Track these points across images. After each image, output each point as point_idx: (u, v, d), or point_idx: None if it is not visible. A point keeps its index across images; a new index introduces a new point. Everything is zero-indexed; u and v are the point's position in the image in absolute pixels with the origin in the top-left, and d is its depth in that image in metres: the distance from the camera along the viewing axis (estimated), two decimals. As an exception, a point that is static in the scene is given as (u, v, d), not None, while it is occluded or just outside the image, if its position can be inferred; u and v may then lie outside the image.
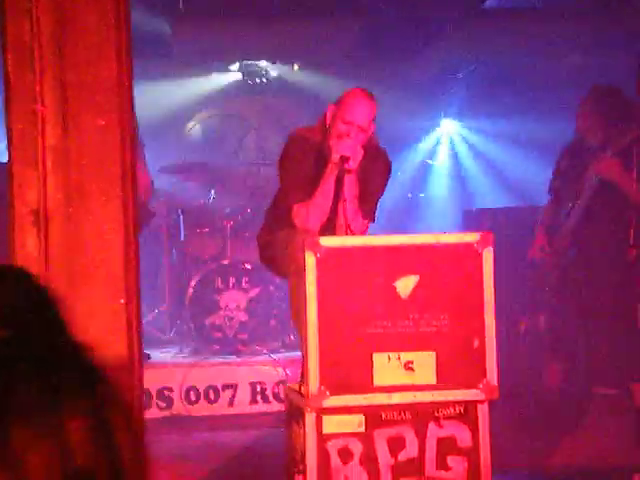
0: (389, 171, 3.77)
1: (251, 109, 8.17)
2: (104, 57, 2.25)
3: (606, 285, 4.68)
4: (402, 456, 2.82)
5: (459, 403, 2.84)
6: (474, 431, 2.85)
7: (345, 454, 2.78)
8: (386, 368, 2.77)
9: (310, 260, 2.74)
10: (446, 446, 2.83)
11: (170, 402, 5.53)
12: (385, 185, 3.76)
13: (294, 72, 7.91)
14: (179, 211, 6.65)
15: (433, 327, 2.80)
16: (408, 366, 2.78)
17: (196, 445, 4.90)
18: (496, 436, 4.42)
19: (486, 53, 7.68)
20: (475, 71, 7.98)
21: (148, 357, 5.85)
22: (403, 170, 8.16)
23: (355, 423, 2.79)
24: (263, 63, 7.90)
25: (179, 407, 5.50)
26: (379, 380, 2.77)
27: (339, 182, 3.44)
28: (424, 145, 8.55)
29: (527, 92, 7.86)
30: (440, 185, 8.20)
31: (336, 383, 2.75)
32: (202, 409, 5.51)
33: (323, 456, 2.77)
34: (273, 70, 7.95)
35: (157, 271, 6.81)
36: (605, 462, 4.00)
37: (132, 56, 2.38)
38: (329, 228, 3.50)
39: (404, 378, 2.78)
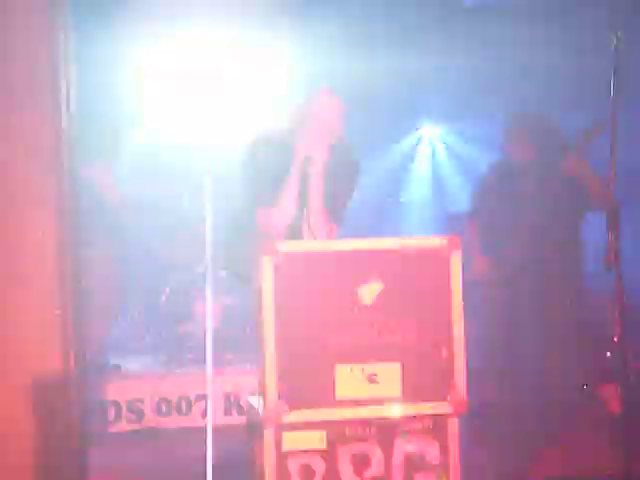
0: (358, 173, 3.62)
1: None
2: (35, 49, 2.08)
3: (567, 290, 4.67)
4: (367, 474, 2.66)
5: (427, 417, 2.68)
6: (444, 447, 2.69)
7: (306, 473, 2.62)
8: (348, 380, 2.61)
9: (267, 266, 2.57)
10: (414, 463, 2.67)
11: (141, 414, 5.37)
12: (354, 188, 3.61)
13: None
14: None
15: (398, 337, 2.64)
16: (372, 378, 2.62)
17: (166, 459, 4.73)
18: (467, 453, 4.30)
19: (468, 54, 7.54)
20: (457, 72, 7.84)
21: (118, 367, 5.70)
22: (381, 173, 8.03)
23: (317, 439, 2.62)
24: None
25: (150, 419, 5.34)
26: (341, 393, 2.61)
27: (304, 185, 3.29)
28: (404, 148, 8.42)
29: (511, 93, 7.73)
30: (421, 188, 8.06)
31: (295, 397, 2.59)
32: (174, 421, 5.34)
33: (283, 475, 2.60)
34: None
35: (131, 278, 6.64)
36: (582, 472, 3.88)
37: (72, 46, 2.21)
38: (295, 232, 3.34)
39: (367, 391, 2.62)
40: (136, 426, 5.34)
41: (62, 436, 2.09)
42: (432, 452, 2.68)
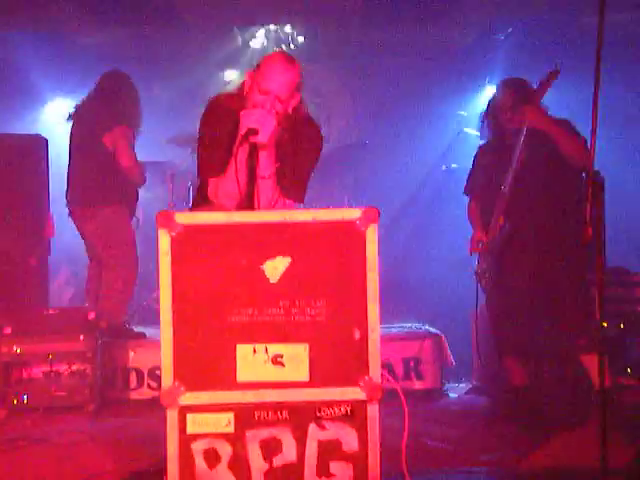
0: (319, 144, 3.38)
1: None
2: None
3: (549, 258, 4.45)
4: (278, 461, 2.50)
5: (345, 402, 2.49)
6: (362, 434, 2.49)
7: (212, 457, 2.49)
8: (251, 362, 2.45)
9: (164, 240, 2.44)
10: (329, 450, 2.50)
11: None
12: (315, 159, 3.37)
13: (319, 38, 7.56)
14: (188, 184, 6.45)
15: (307, 316, 2.45)
16: (277, 360, 2.45)
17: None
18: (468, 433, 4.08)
19: (524, 12, 7.14)
20: (515, 32, 7.44)
21: (143, 336, 5.71)
22: (439, 140, 7.73)
23: (222, 422, 2.48)
24: (288, 29, 7.58)
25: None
26: (243, 376, 2.45)
27: (253, 158, 3.08)
28: (465, 113, 8.06)
29: (575, 53, 7.26)
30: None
31: (194, 378, 2.45)
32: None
33: (187, 459, 2.48)
34: (299, 36, 7.62)
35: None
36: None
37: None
38: (250, 207, 3.15)
39: (272, 374, 2.45)
40: (157, 393, 5.33)
41: None
42: (349, 440, 2.50)
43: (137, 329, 5.74)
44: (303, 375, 2.45)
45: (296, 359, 2.45)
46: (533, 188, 4.49)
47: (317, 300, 2.45)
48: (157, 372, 5.38)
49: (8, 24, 6.85)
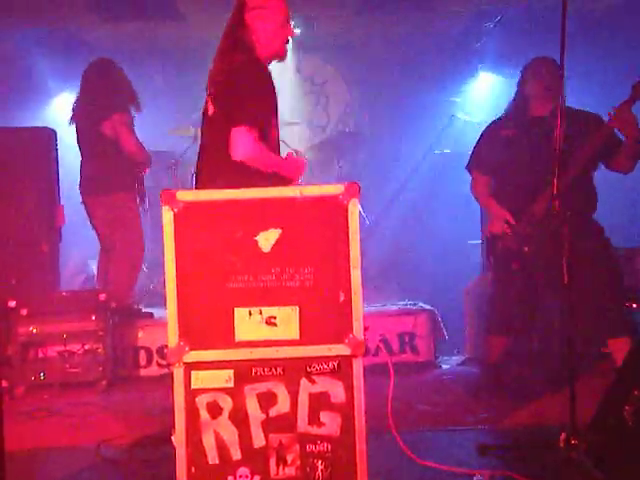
0: None
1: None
2: None
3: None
4: (273, 412, 2.78)
5: (333, 358, 2.77)
6: (348, 387, 2.77)
7: (214, 409, 2.77)
8: (247, 323, 2.73)
9: (167, 215, 2.72)
10: (319, 402, 2.78)
11: (170, 360, 5.63)
12: None
13: (315, 30, 7.81)
14: (192, 170, 6.71)
15: (296, 281, 2.74)
16: (270, 321, 2.74)
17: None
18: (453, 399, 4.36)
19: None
20: (504, 20, 7.69)
21: (151, 316, 5.99)
22: (432, 126, 7.98)
23: (223, 378, 2.77)
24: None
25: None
26: (241, 335, 2.74)
27: None
28: (457, 100, 8.32)
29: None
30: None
31: (197, 338, 2.74)
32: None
33: (192, 411, 2.77)
34: (296, 28, 7.87)
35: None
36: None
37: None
38: None
39: (266, 333, 2.74)
40: (166, 370, 5.62)
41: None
42: (336, 392, 2.78)
43: (145, 310, 6.03)
44: (294, 334, 2.74)
45: (287, 320, 2.73)
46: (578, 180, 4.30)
47: (305, 267, 2.74)
48: (165, 350, 5.67)
49: (15, 22, 7.13)
